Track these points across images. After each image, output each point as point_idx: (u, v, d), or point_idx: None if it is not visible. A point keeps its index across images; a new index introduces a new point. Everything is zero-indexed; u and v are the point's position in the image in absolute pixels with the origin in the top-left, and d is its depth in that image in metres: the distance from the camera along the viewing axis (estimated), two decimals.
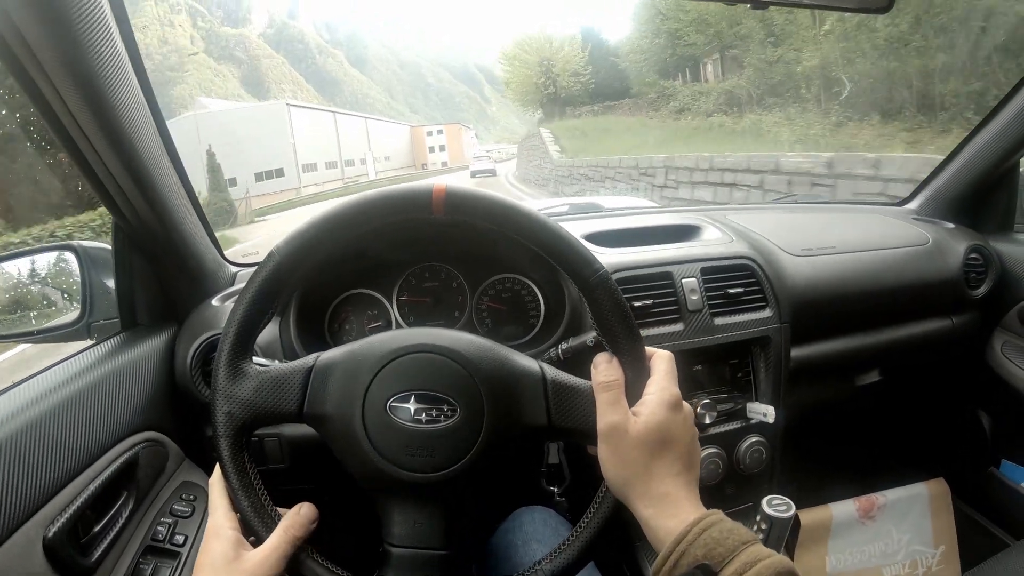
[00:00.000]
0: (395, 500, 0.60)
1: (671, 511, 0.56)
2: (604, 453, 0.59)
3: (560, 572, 0.61)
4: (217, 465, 0.60)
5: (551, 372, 0.64)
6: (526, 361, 0.64)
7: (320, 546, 0.62)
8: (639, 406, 0.60)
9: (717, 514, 0.54)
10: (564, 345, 0.78)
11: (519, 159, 33.74)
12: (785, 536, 0.81)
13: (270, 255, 0.60)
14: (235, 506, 0.59)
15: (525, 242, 0.60)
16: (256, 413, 0.59)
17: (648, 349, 0.63)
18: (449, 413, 0.59)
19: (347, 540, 0.92)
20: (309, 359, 0.63)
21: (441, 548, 0.60)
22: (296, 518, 0.59)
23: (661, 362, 0.63)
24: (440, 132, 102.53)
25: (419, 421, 0.59)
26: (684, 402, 0.62)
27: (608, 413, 0.59)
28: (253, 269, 1.10)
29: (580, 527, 0.62)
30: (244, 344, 0.61)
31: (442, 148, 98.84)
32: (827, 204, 1.78)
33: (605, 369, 0.61)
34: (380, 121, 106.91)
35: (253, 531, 0.59)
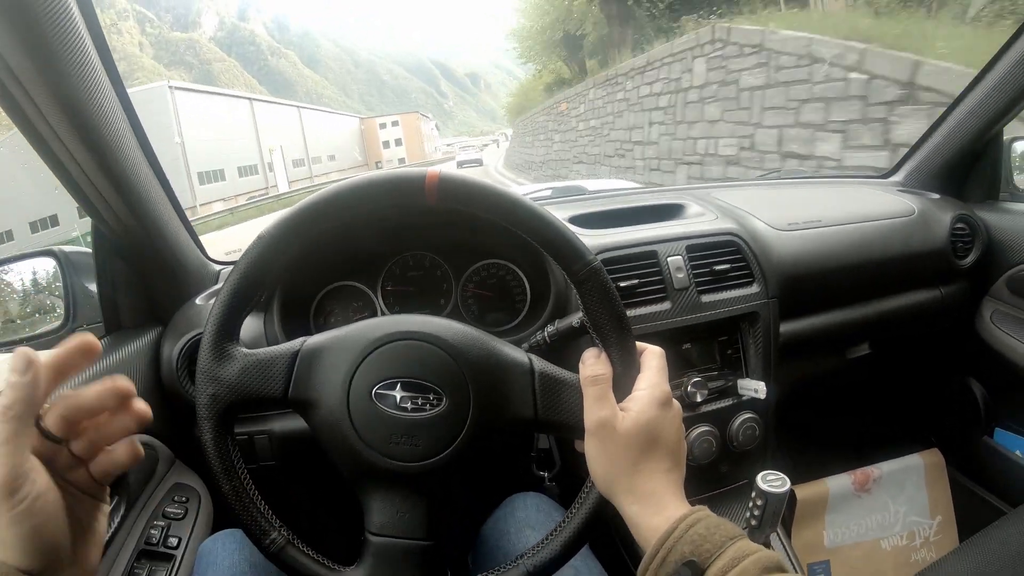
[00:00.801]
0: (377, 488, 0.60)
1: (657, 508, 0.56)
2: (591, 449, 0.59)
3: (541, 567, 0.60)
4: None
5: (539, 364, 0.63)
6: (515, 352, 0.64)
7: (307, 535, 0.61)
8: (628, 402, 0.59)
9: (703, 510, 0.54)
10: (550, 328, 0.78)
11: (517, 143, 27.72)
12: (781, 511, 0.80)
13: (259, 238, 0.60)
14: (217, 491, 0.58)
15: (517, 231, 0.60)
16: (241, 395, 0.59)
17: (639, 344, 0.63)
18: (435, 402, 0.59)
19: (333, 529, 0.92)
20: (296, 343, 0.62)
21: (423, 539, 0.59)
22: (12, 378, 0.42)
23: (652, 358, 0.62)
24: (395, 124, 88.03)
25: (404, 409, 0.58)
26: (674, 400, 0.61)
27: (595, 409, 0.59)
28: None
29: (564, 522, 0.62)
30: (230, 326, 0.60)
31: (398, 142, 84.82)
32: (811, 179, 1.78)
33: (593, 363, 0.60)
34: (320, 112, 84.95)
35: (236, 516, 0.59)
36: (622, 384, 0.60)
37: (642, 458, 0.57)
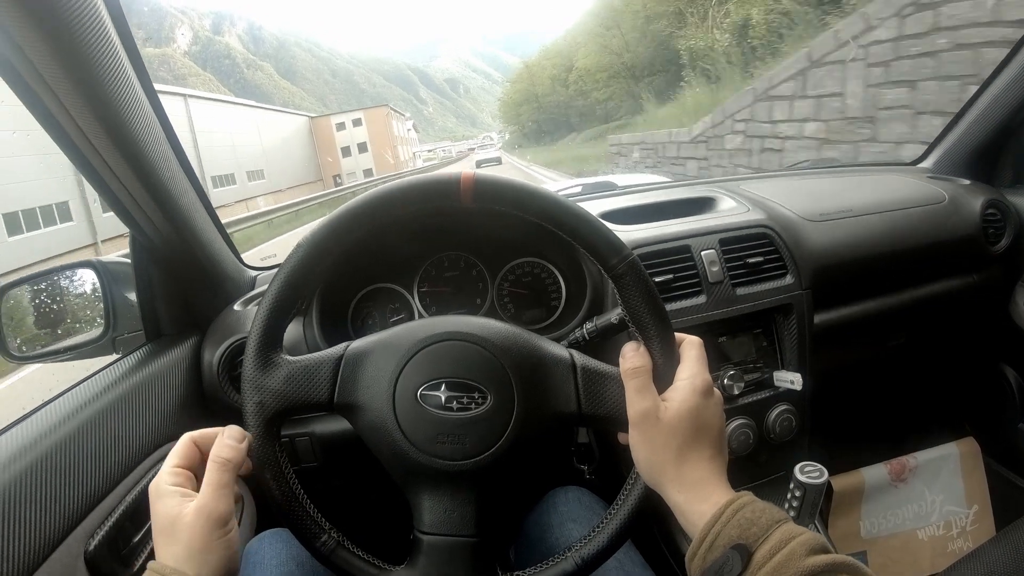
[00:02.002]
0: (426, 488, 0.61)
1: (704, 495, 0.56)
2: (635, 440, 0.60)
3: (591, 558, 0.61)
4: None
5: (581, 359, 0.64)
6: (555, 348, 0.65)
7: (353, 536, 0.62)
8: (671, 392, 0.60)
9: (748, 495, 0.55)
10: (589, 325, 0.79)
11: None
12: (819, 502, 0.81)
13: (298, 245, 0.61)
14: (267, 496, 0.60)
15: (552, 228, 0.61)
16: (287, 403, 0.60)
17: (677, 335, 0.63)
18: (480, 400, 0.60)
19: (380, 529, 0.93)
20: (339, 348, 0.63)
21: (472, 535, 0.60)
22: (221, 441, 0.57)
23: (691, 348, 0.63)
24: (358, 123, 62.91)
25: (450, 409, 0.59)
26: (715, 388, 0.62)
27: (637, 400, 0.59)
28: (272, 272, 1.10)
29: (610, 513, 0.63)
30: (273, 335, 0.61)
31: (362, 147, 61.79)
32: (840, 168, 1.76)
33: (632, 356, 0.61)
34: (234, 105, 51.55)
35: (286, 520, 0.60)
36: (663, 375, 0.61)
37: (686, 447, 0.58)
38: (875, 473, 1.48)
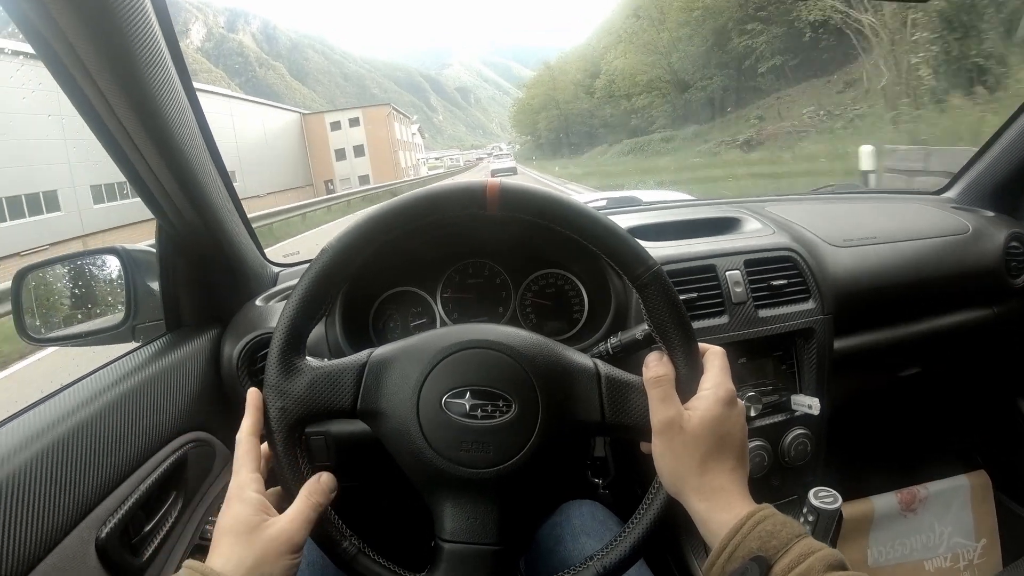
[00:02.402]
0: (449, 495, 0.61)
1: (725, 505, 0.56)
2: (659, 448, 0.60)
3: (611, 568, 0.61)
4: (244, 420, 0.60)
5: (605, 368, 0.64)
6: (580, 357, 0.65)
7: (370, 542, 0.62)
8: (695, 401, 0.60)
9: (769, 508, 0.55)
10: (614, 339, 0.78)
11: None
12: (832, 528, 0.80)
13: (323, 251, 0.61)
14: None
15: (578, 238, 0.61)
16: (310, 409, 0.60)
17: (701, 345, 0.63)
18: (504, 408, 0.59)
19: (397, 536, 0.92)
20: (362, 355, 0.63)
21: (494, 543, 0.60)
22: (317, 484, 0.59)
23: (715, 358, 0.63)
24: (355, 122, 53.77)
25: (474, 416, 0.59)
26: (738, 399, 0.62)
27: (661, 409, 0.59)
28: (296, 269, 1.10)
29: (632, 523, 0.62)
30: (296, 340, 0.61)
31: (359, 151, 52.92)
32: (865, 194, 1.76)
33: (656, 365, 0.61)
34: (208, 94, 38.42)
35: (314, 530, 0.59)
36: (687, 385, 0.61)
37: (709, 456, 0.58)
38: (885, 502, 1.47)
